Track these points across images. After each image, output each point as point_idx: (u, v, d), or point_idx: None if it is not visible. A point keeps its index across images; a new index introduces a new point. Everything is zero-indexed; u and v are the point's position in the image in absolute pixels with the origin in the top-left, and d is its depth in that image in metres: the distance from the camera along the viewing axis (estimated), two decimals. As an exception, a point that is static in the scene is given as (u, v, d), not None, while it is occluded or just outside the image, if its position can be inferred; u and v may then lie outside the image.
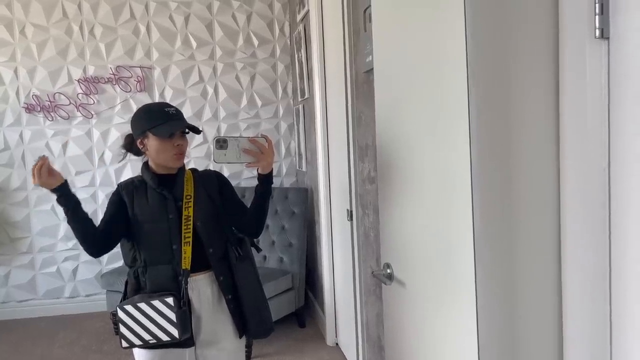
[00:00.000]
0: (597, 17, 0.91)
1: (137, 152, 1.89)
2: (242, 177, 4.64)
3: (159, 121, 1.78)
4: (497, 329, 1.08)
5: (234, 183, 1.96)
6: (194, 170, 1.95)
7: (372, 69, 2.10)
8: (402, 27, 1.43)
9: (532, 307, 1.09)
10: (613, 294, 0.96)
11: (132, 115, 1.88)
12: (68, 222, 1.78)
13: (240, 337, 1.93)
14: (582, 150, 0.98)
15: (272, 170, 1.81)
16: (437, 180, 1.25)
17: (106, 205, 1.90)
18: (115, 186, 1.92)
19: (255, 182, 1.86)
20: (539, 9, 1.04)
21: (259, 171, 1.80)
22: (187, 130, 1.83)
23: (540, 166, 1.06)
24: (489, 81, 1.04)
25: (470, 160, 1.04)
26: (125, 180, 1.91)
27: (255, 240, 2.05)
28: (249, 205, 1.92)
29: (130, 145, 1.90)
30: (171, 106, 1.83)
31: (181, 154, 1.83)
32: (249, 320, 1.89)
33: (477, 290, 1.06)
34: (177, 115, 1.82)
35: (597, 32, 0.92)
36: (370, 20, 2.19)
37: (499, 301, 1.08)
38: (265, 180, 1.82)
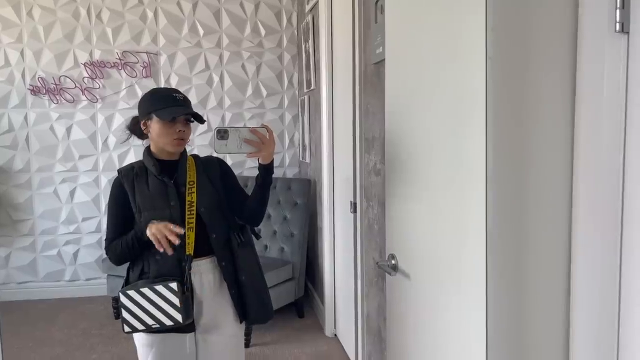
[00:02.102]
0: (617, 10, 0.91)
1: (141, 135, 1.89)
2: (245, 166, 4.65)
3: (164, 105, 1.78)
4: (506, 321, 1.09)
5: (237, 172, 1.96)
6: (195, 157, 1.95)
7: (382, 60, 2.10)
8: (417, 19, 1.43)
9: (541, 302, 1.09)
10: (623, 291, 0.97)
11: (137, 100, 1.89)
12: (132, 247, 1.81)
13: (241, 322, 1.94)
14: (597, 145, 0.98)
15: (272, 161, 1.81)
16: (450, 172, 1.25)
17: (109, 199, 1.88)
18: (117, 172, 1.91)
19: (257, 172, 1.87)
20: (559, 2, 1.03)
21: (260, 161, 1.80)
22: (191, 118, 1.83)
23: (555, 160, 1.06)
24: (507, 74, 1.04)
25: (485, 153, 1.04)
26: (125, 166, 1.89)
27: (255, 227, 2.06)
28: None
29: (135, 126, 1.90)
30: (180, 93, 1.84)
31: (182, 140, 1.83)
32: (250, 305, 1.90)
33: (487, 283, 1.06)
34: (184, 101, 1.82)
35: (617, 26, 0.92)
36: (382, 12, 2.18)
37: (509, 294, 1.08)
38: (265, 170, 1.83)
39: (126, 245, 1.81)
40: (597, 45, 0.96)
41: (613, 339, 0.99)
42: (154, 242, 1.71)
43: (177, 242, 1.70)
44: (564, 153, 1.06)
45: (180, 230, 1.71)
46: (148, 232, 1.73)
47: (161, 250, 1.70)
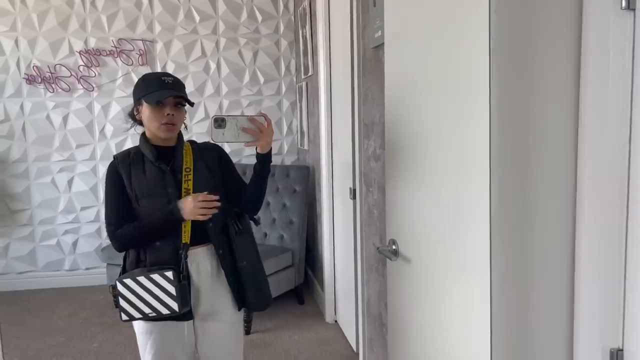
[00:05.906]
0: (624, -13, 0.89)
1: (140, 122, 1.87)
2: (243, 154, 4.63)
3: (152, 89, 1.76)
4: (511, 306, 1.08)
5: (235, 160, 1.95)
6: (192, 143, 1.93)
7: (382, 44, 2.07)
8: (417, 1, 1.41)
9: (546, 286, 1.08)
10: (628, 275, 0.96)
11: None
12: (149, 235, 1.79)
13: (239, 309, 1.93)
14: (603, 126, 0.97)
15: (271, 149, 1.80)
16: (452, 157, 1.24)
17: (107, 185, 1.84)
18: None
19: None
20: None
21: (258, 150, 1.78)
22: (183, 102, 1.80)
23: (560, 142, 1.05)
24: (511, 55, 1.02)
25: (489, 137, 1.02)
26: (121, 152, 1.87)
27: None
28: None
29: (133, 114, 1.88)
30: (170, 76, 1.80)
31: (172, 124, 1.79)
32: (248, 292, 1.89)
33: (491, 268, 1.05)
34: (172, 85, 1.79)
35: (624, 3, 0.90)
36: (380, -5, 2.15)
37: (513, 278, 1.07)
38: (264, 159, 1.81)
39: (148, 228, 1.78)
40: (602, 23, 0.94)
41: (618, 328, 0.99)
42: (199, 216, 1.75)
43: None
44: (569, 135, 1.04)
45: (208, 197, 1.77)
46: (189, 212, 1.75)
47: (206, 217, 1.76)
